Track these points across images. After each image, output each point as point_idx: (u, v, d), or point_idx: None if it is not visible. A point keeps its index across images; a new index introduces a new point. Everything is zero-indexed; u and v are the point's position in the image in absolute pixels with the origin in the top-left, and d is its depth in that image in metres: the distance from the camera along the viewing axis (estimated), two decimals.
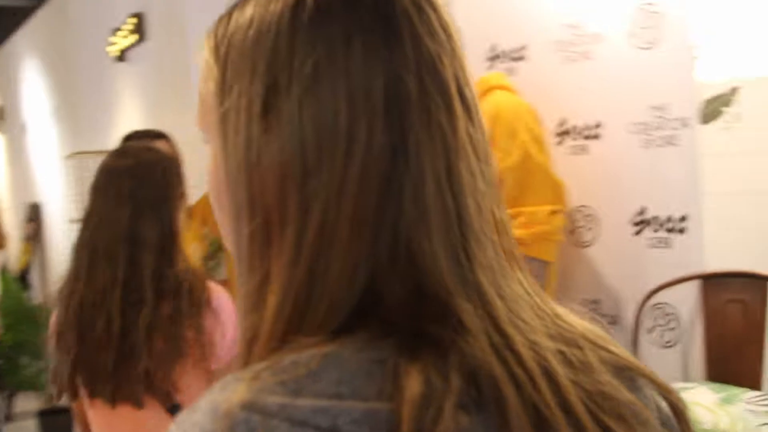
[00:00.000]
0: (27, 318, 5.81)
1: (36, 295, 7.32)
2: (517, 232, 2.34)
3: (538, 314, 0.56)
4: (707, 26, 2.28)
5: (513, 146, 2.39)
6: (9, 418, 6.64)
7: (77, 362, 1.73)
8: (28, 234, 7.45)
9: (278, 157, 0.54)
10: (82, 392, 1.77)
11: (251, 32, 0.57)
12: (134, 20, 4.83)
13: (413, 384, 0.48)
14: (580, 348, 0.55)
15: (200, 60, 0.61)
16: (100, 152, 5.13)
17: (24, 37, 7.52)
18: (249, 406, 0.47)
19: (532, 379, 0.50)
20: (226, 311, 1.80)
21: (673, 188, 2.38)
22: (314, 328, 0.52)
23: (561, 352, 0.54)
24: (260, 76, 0.55)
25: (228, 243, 0.62)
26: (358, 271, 0.52)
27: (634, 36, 2.43)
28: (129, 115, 5.22)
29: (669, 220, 2.40)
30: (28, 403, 6.88)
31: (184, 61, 4.20)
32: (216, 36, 0.60)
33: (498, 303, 0.54)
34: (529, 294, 0.57)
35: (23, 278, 7.13)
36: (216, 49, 0.59)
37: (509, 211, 2.39)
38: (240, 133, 0.56)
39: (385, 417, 0.47)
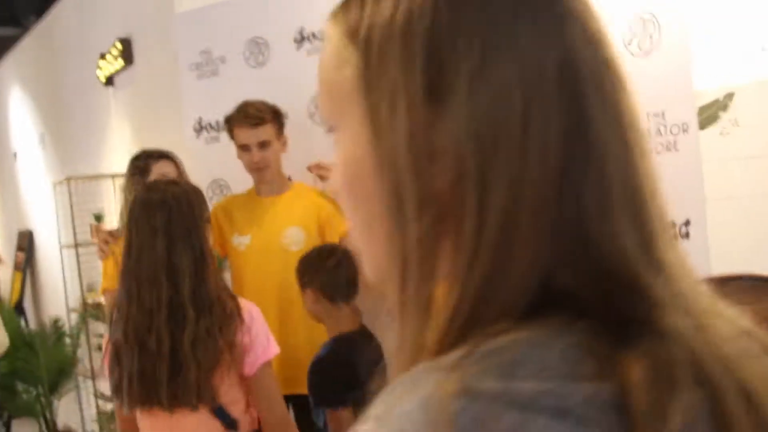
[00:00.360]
0: (23, 345, 5.77)
1: (30, 322, 7.29)
2: None
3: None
4: (701, 32, 2.30)
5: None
6: None
7: (136, 376, 2.02)
8: (18, 263, 7.42)
9: (450, 146, 0.50)
10: (140, 402, 2.05)
11: (400, 12, 0.52)
12: (120, 45, 4.82)
13: (633, 366, 0.46)
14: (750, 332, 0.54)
15: (326, 46, 0.58)
16: (91, 177, 5.15)
17: (9, 65, 7.53)
18: (465, 394, 0.44)
19: (732, 358, 0.49)
20: (256, 321, 2.12)
21: (675, 194, 2.38)
22: (495, 319, 0.49)
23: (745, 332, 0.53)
24: (418, 59, 0.51)
25: (364, 238, 0.58)
26: (540, 259, 0.50)
27: (631, 44, 2.45)
28: (118, 139, 5.21)
29: (672, 225, 2.41)
30: (24, 428, 6.84)
31: (173, 84, 4.19)
32: (350, 19, 0.56)
33: (683, 279, 0.52)
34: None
35: (17, 306, 7.09)
36: (353, 32, 0.55)
37: None
38: (400, 122, 0.51)
39: (609, 398, 0.46)
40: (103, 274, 3.23)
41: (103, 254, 3.17)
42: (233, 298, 2.12)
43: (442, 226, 0.51)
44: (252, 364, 2.09)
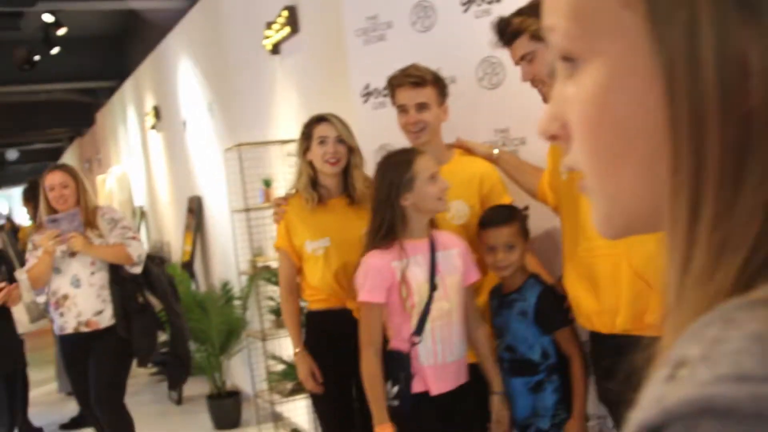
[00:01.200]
0: (196, 307, 6.06)
1: (200, 284, 7.63)
2: None
3: None
4: None
5: None
6: (179, 401, 6.97)
7: None
8: (189, 224, 7.75)
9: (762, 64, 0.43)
10: None
11: None
12: (286, 13, 4.91)
13: None
14: None
15: None
16: (260, 143, 5.30)
17: (178, 36, 7.80)
18: None
19: None
20: None
21: None
22: None
23: None
24: None
25: (615, 180, 0.53)
26: None
27: None
28: (285, 107, 5.33)
29: None
30: (196, 386, 7.21)
31: (339, 51, 4.23)
32: None
33: None
34: None
35: (188, 268, 7.41)
36: None
37: None
38: (706, 39, 0.44)
39: None
40: (278, 233, 3.39)
41: (278, 217, 3.33)
42: None
43: (744, 152, 0.45)
44: None
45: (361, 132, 3.68)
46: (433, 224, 2.88)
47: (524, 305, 2.81)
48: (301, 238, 3.28)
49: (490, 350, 2.87)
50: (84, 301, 4.34)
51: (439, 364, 2.77)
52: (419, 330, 2.74)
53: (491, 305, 2.95)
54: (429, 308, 2.74)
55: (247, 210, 5.08)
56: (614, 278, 2.49)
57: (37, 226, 4.56)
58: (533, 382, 2.82)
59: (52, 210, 4.36)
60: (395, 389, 2.75)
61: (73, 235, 4.24)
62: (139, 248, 4.41)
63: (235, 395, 6.26)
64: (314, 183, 3.26)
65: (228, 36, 6.27)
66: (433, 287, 2.75)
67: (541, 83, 2.62)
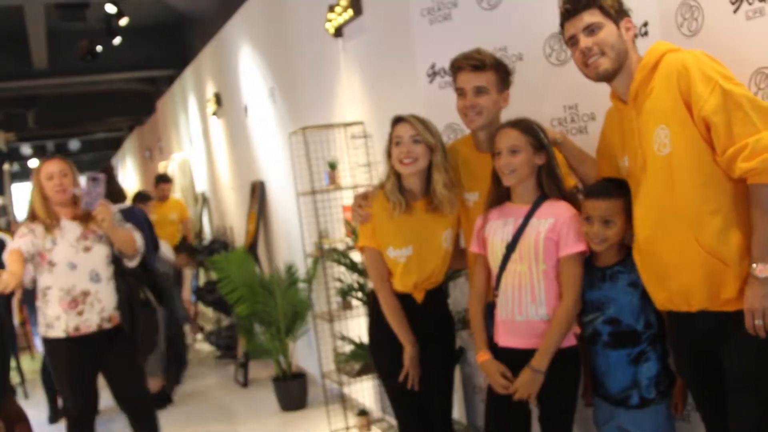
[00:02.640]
0: (261, 289, 6.12)
1: (263, 267, 7.70)
2: (748, 164, 2.28)
3: None
4: None
5: (709, 89, 2.35)
6: (245, 384, 7.07)
7: None
8: (252, 208, 7.82)
9: None
10: None
11: None
12: None
13: None
14: None
15: None
16: (325, 126, 5.34)
17: (239, 22, 7.86)
18: None
19: None
20: None
21: None
22: None
23: None
24: None
25: None
26: None
27: None
28: (349, 90, 5.34)
29: None
30: (261, 369, 7.31)
31: (403, 32, 4.23)
32: None
33: None
34: None
35: (252, 251, 7.49)
36: None
37: (731, 149, 2.28)
38: None
39: None
40: (361, 233, 3.33)
41: (362, 219, 3.27)
42: None
43: None
44: None
45: (427, 113, 3.67)
46: (563, 193, 2.95)
47: (634, 277, 2.77)
48: (384, 243, 3.25)
49: (560, 324, 2.85)
50: (106, 296, 4.13)
51: (509, 319, 2.94)
52: (497, 285, 2.98)
53: (586, 278, 2.90)
54: (504, 267, 2.94)
55: (313, 193, 5.11)
56: (683, 257, 2.47)
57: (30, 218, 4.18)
58: (635, 353, 2.81)
59: (46, 204, 4.11)
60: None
61: (102, 202, 4.01)
62: (140, 239, 4.25)
63: (300, 377, 6.33)
64: (401, 187, 3.21)
65: (289, 20, 6.31)
66: (511, 249, 2.92)
67: (601, 53, 2.57)
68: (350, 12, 4.93)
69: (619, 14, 2.59)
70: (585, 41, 2.59)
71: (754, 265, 2.33)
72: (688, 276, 2.47)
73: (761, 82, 2.59)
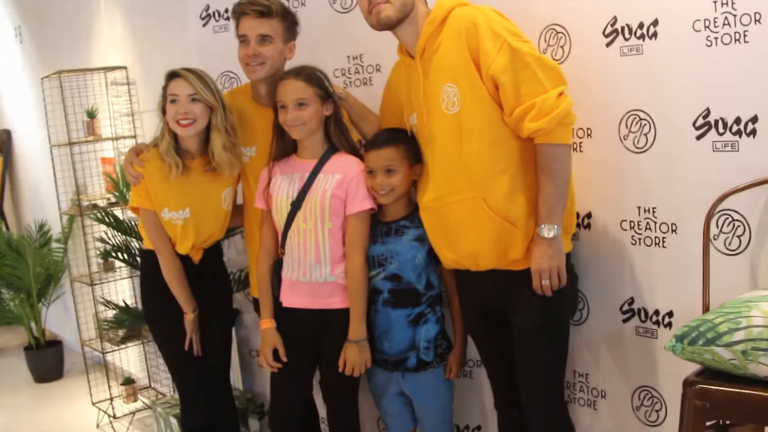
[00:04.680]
0: (8, 250, 5.54)
1: (11, 226, 7.06)
2: (535, 124, 2.29)
3: None
4: None
5: (497, 47, 2.31)
6: None
7: None
8: None
9: None
10: None
11: None
12: None
13: None
14: None
15: None
16: (83, 70, 4.85)
17: None
18: None
19: None
20: None
21: (741, 88, 2.23)
22: None
23: None
24: None
25: None
26: None
27: None
28: (109, 31, 4.89)
29: (737, 122, 2.25)
30: (10, 336, 6.70)
31: None
32: None
33: None
34: None
35: None
36: None
37: (519, 109, 2.24)
38: None
39: None
40: (134, 192, 2.99)
41: (135, 180, 2.95)
42: None
43: None
44: None
45: (200, 59, 3.42)
46: (351, 145, 2.83)
47: (420, 232, 2.71)
48: (159, 205, 2.94)
49: (358, 287, 2.76)
50: None
51: (293, 279, 2.83)
52: (282, 243, 2.86)
53: (370, 233, 2.81)
54: (289, 226, 2.81)
55: (69, 144, 4.63)
56: (472, 219, 2.45)
57: None
58: (414, 314, 2.76)
59: None
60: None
61: None
62: None
63: (56, 345, 5.85)
64: (177, 147, 2.92)
65: None
66: (297, 206, 2.78)
67: (385, 1, 2.44)
68: None
69: None
70: None
71: (542, 226, 2.35)
72: (475, 236, 2.46)
73: (551, 38, 2.60)
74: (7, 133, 6.98)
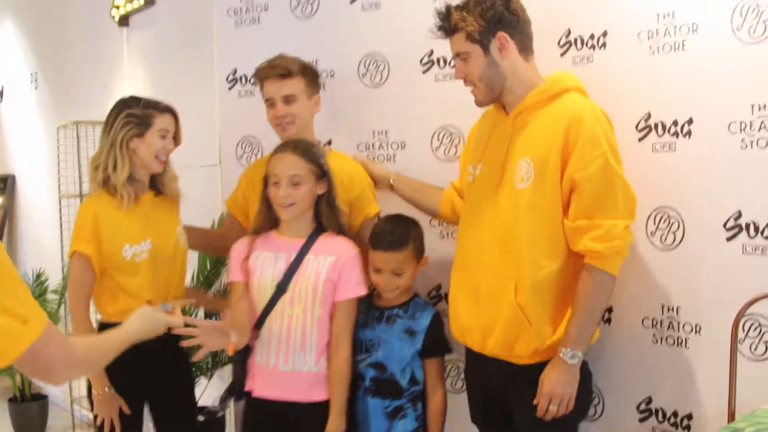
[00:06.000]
0: None
1: None
2: (595, 245, 2.24)
3: None
4: None
5: (594, 155, 2.24)
6: None
7: None
8: None
9: None
10: None
11: None
12: None
13: None
14: None
15: None
16: (101, 122, 4.81)
17: None
18: None
19: None
20: None
21: None
22: None
23: None
24: None
25: None
26: None
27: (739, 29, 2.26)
28: (130, 86, 4.90)
29: None
30: None
31: (204, 31, 3.91)
32: None
33: None
34: None
35: None
36: None
37: (585, 222, 2.17)
38: None
39: None
40: (77, 234, 2.78)
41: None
42: None
43: None
44: None
45: (224, 121, 3.41)
46: (341, 227, 2.71)
47: (412, 324, 2.66)
48: (118, 243, 2.75)
49: (343, 379, 2.62)
50: None
51: (271, 368, 2.64)
52: (259, 325, 2.64)
53: (358, 316, 2.72)
54: (271, 309, 2.63)
55: (81, 196, 4.58)
56: (497, 295, 2.37)
57: None
58: (393, 407, 2.67)
59: None
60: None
61: None
62: None
63: (41, 399, 5.69)
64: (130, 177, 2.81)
65: (67, 1, 5.71)
66: (282, 290, 2.61)
67: (472, 84, 2.44)
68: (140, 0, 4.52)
69: (485, 34, 2.36)
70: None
71: (565, 350, 2.29)
72: (495, 311, 2.38)
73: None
74: (12, 178, 6.93)
